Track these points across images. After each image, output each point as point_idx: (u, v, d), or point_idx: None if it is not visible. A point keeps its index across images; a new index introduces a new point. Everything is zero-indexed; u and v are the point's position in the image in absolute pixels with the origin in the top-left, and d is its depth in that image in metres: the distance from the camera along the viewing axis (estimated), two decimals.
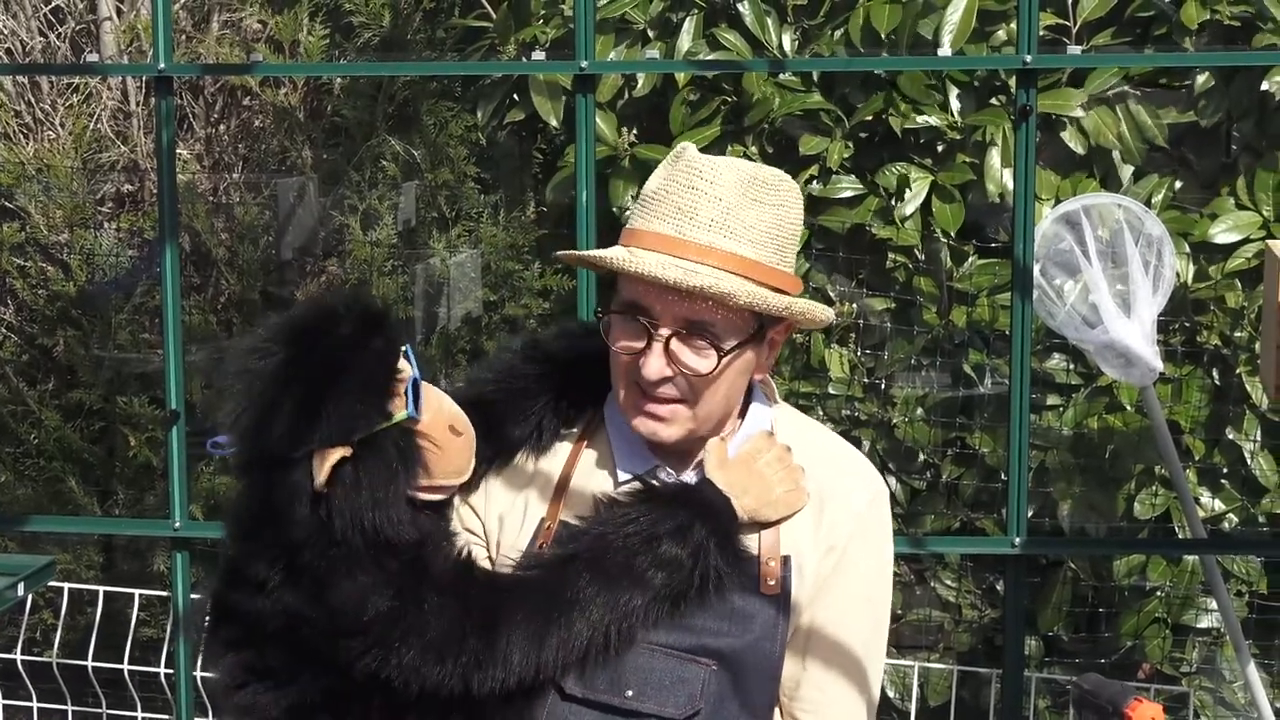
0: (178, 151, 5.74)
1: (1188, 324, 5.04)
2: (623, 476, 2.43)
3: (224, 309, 5.65)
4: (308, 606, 2.18)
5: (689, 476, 2.43)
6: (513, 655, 2.22)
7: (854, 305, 5.18)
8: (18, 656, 4.67)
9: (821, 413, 5.14)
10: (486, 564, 2.41)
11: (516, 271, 5.49)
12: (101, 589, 4.84)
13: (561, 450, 2.49)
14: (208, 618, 2.35)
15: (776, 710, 2.45)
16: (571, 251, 2.49)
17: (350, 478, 2.16)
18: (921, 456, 5.18)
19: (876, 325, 5.17)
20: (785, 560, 2.39)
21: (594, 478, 2.45)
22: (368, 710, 2.25)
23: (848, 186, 5.13)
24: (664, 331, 2.31)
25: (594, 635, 2.26)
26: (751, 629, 2.36)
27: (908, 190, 5.07)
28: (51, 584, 4.99)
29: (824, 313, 2.40)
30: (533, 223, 5.50)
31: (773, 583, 2.37)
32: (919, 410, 5.14)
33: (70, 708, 4.78)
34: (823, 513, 2.42)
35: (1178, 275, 4.90)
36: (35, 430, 5.64)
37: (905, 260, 5.13)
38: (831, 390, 5.16)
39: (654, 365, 2.32)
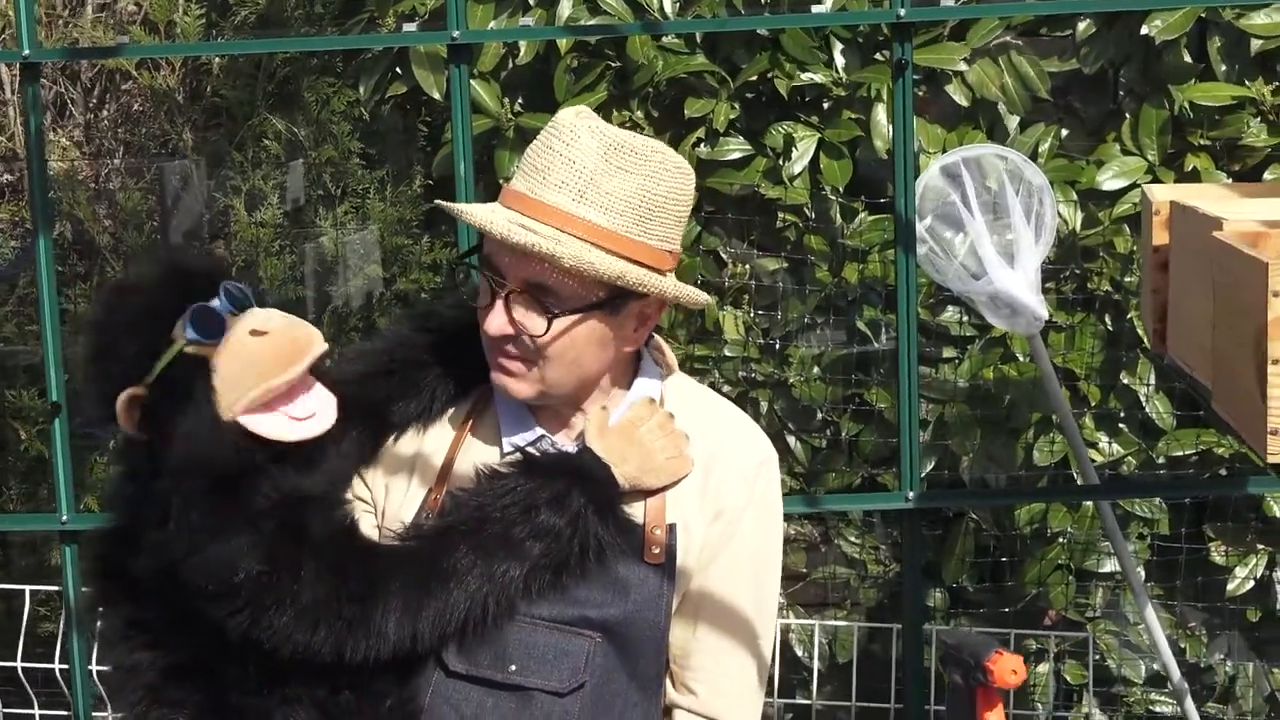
0: (58, 139, 5.66)
1: (1078, 271, 5.06)
2: (507, 447, 2.42)
3: None
4: (178, 566, 2.14)
5: (571, 446, 2.41)
6: (388, 624, 2.20)
7: (746, 266, 5.17)
8: None
9: (718, 375, 5.13)
10: (372, 531, 2.39)
11: (406, 246, 5.43)
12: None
13: (451, 423, 2.47)
14: (91, 575, 2.33)
15: (668, 679, 2.44)
16: (444, 201, 2.46)
17: (153, 417, 2.13)
18: (820, 415, 5.18)
19: (769, 285, 5.16)
20: (671, 528, 2.38)
21: (480, 450, 2.43)
22: (245, 674, 2.22)
23: (735, 148, 5.11)
24: (506, 289, 2.30)
25: (471, 606, 2.24)
26: (634, 599, 2.35)
27: (794, 149, 5.06)
28: None
29: (676, 290, 2.36)
30: (420, 196, 5.44)
31: (657, 550, 2.36)
32: (815, 369, 5.14)
33: None
34: (709, 479, 2.42)
35: (1066, 222, 4.93)
36: None
37: (796, 219, 5.12)
38: (727, 352, 5.15)
39: (494, 322, 2.31)
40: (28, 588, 4.71)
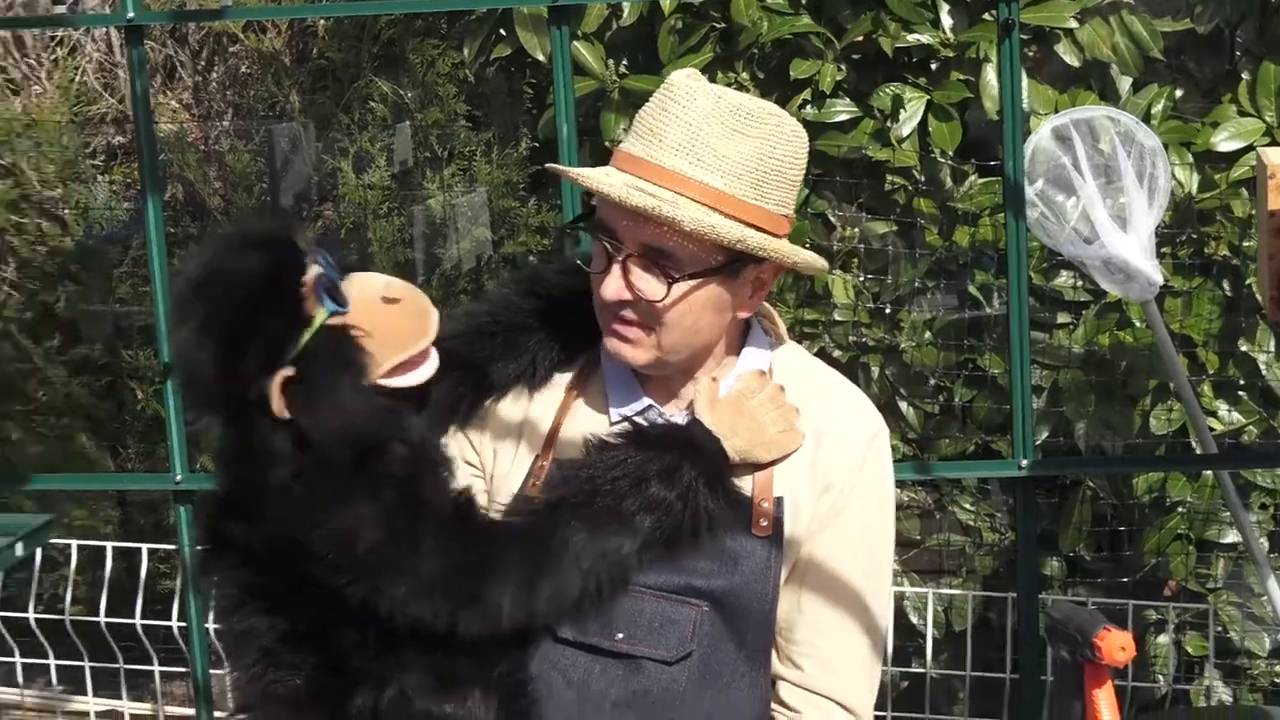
0: (167, 101, 5.69)
1: (1194, 235, 4.95)
2: (614, 416, 2.39)
3: None
4: (300, 538, 2.14)
5: (680, 417, 2.38)
6: (503, 602, 2.19)
7: (855, 230, 5.11)
8: (30, 615, 4.65)
9: (828, 340, 5.07)
10: (481, 497, 2.38)
11: (513, 209, 5.42)
12: (110, 545, 4.82)
13: (556, 388, 2.45)
14: (204, 539, 2.33)
15: (774, 653, 2.41)
16: (556, 165, 2.44)
17: (304, 395, 2.11)
18: (932, 381, 5.11)
19: (879, 249, 5.09)
20: (779, 501, 2.34)
21: (586, 418, 2.41)
22: (360, 640, 2.22)
23: (843, 110, 5.04)
24: (623, 253, 2.27)
25: (585, 583, 2.22)
26: (742, 570, 2.32)
27: (903, 111, 4.98)
28: (60, 540, 4.97)
29: (795, 254, 2.32)
30: (526, 159, 5.42)
31: (765, 523, 2.33)
32: (927, 334, 5.07)
33: (87, 664, 4.76)
34: (819, 452, 2.37)
35: (1181, 185, 4.82)
36: (43, 387, 5.62)
37: (904, 182, 5.04)
38: (837, 317, 5.09)
39: (611, 286, 2.28)
40: (145, 546, 4.75)
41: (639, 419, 2.37)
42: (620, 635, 2.30)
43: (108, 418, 5.64)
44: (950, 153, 5.00)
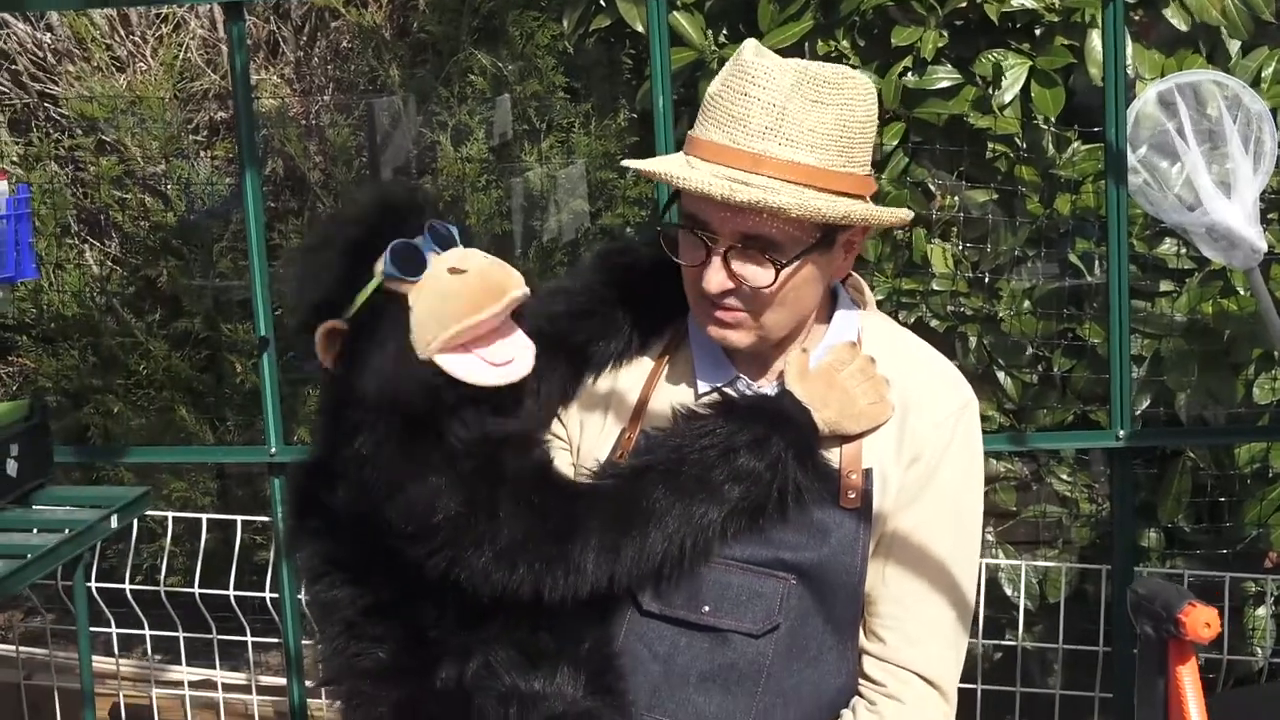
0: (269, 76, 5.74)
1: None
2: (702, 388, 2.39)
3: None
4: (377, 506, 2.15)
5: (769, 388, 2.37)
6: (585, 563, 2.18)
7: (955, 198, 5.06)
8: (126, 586, 4.73)
9: (926, 309, 5.03)
10: (568, 469, 2.38)
11: (611, 180, 5.42)
12: (205, 516, 4.88)
13: (645, 362, 2.45)
14: (290, 508, 2.34)
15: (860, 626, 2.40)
16: (631, 160, 2.41)
17: (350, 349, 2.13)
18: (1030, 350, 5.05)
19: (979, 217, 5.04)
20: (867, 473, 2.33)
21: (675, 390, 2.41)
22: (444, 613, 2.23)
23: (944, 77, 4.99)
24: (722, 245, 2.25)
25: (669, 548, 2.22)
26: (829, 542, 2.31)
27: (1005, 77, 4.91)
28: (157, 513, 5.04)
29: (891, 216, 2.31)
30: (625, 130, 5.41)
31: (853, 495, 2.32)
32: (1026, 303, 5.01)
33: (181, 634, 4.84)
34: (907, 424, 2.36)
35: None
36: (144, 361, 5.69)
37: (1006, 150, 4.98)
38: (935, 286, 5.04)
39: (714, 279, 2.26)
40: (240, 518, 4.81)
41: (728, 390, 2.36)
42: (707, 608, 2.30)
43: (207, 391, 5.70)
44: (1053, 119, 4.93)
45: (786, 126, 2.22)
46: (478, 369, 2.12)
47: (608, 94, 5.50)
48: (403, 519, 2.14)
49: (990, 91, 4.95)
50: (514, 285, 2.13)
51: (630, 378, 2.45)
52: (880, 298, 4.99)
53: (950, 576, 2.39)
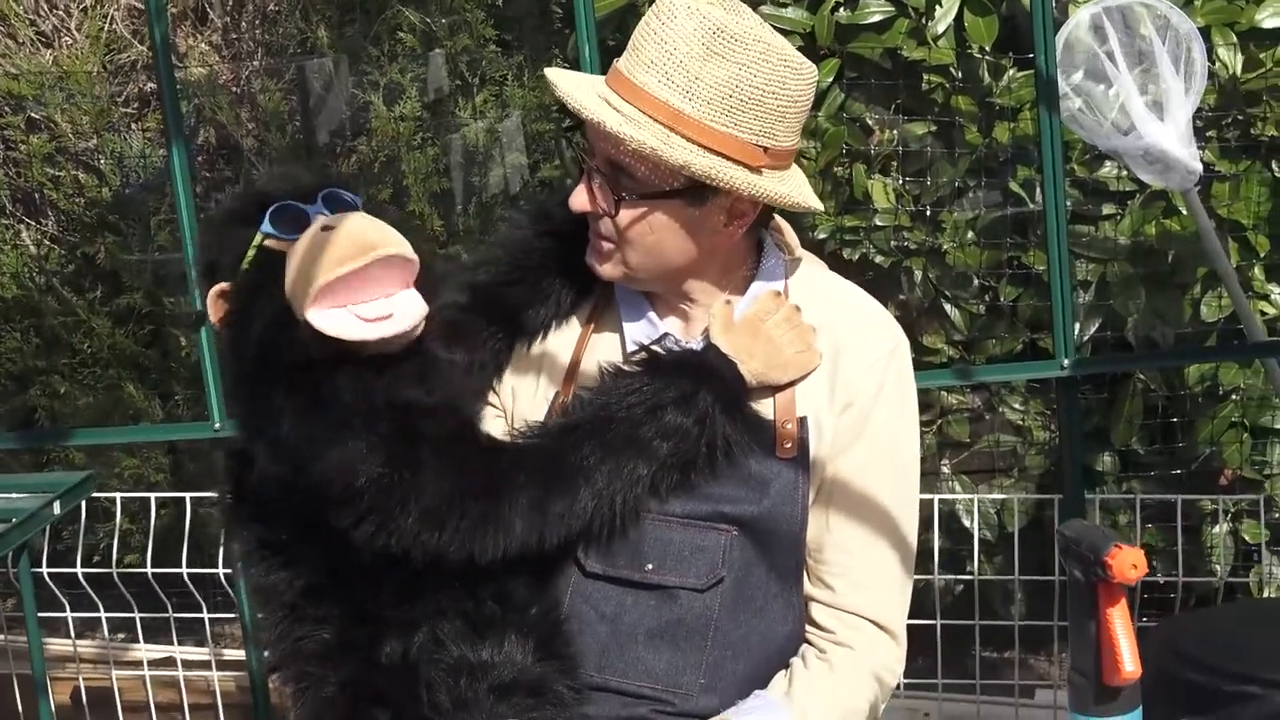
0: (198, 44, 5.67)
1: (1240, 117, 4.84)
2: (631, 346, 2.38)
3: None
4: (298, 476, 2.14)
5: (696, 343, 2.36)
6: (514, 520, 2.17)
7: (893, 132, 5.03)
8: (78, 570, 4.70)
9: (869, 245, 5.01)
10: (501, 435, 2.36)
11: (548, 132, 5.38)
12: (153, 495, 4.85)
13: (575, 323, 2.45)
14: (225, 498, 2.34)
15: (805, 574, 2.39)
16: (550, 70, 2.38)
17: (234, 308, 2.16)
18: (976, 281, 5.04)
19: (918, 150, 5.02)
20: (802, 421, 2.33)
21: (604, 348, 2.41)
22: (380, 589, 2.22)
23: (876, 10, 4.94)
24: (590, 164, 2.27)
25: (599, 504, 2.22)
26: (769, 493, 2.31)
27: (938, 7, 4.88)
28: (104, 495, 5.00)
29: (753, 187, 2.25)
30: None
31: (789, 445, 2.32)
32: (969, 234, 5.00)
33: (138, 615, 4.81)
34: (839, 370, 2.35)
35: (1226, 67, 4.72)
36: (88, 339, 5.64)
37: (942, 81, 4.95)
38: (878, 221, 5.02)
39: (576, 196, 2.30)
40: (189, 495, 4.78)
41: (656, 347, 2.35)
42: (650, 566, 2.30)
43: (154, 366, 5.65)
44: (988, 48, 4.90)
45: (671, 67, 2.20)
46: (348, 324, 2.11)
47: (540, 44, 5.45)
48: (325, 485, 2.12)
49: (924, 22, 4.92)
50: (382, 244, 2.11)
51: (561, 341, 2.44)
52: (823, 236, 4.99)
53: (892, 520, 2.40)
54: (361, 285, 2.10)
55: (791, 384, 2.33)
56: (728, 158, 2.23)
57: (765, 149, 2.26)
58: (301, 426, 2.12)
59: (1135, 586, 2.52)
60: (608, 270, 2.33)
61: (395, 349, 2.16)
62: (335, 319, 2.10)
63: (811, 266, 2.49)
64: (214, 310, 2.18)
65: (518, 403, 2.43)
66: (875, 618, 2.38)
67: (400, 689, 2.22)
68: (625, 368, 2.31)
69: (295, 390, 2.12)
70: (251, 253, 2.15)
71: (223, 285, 2.17)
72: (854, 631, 2.38)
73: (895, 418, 2.39)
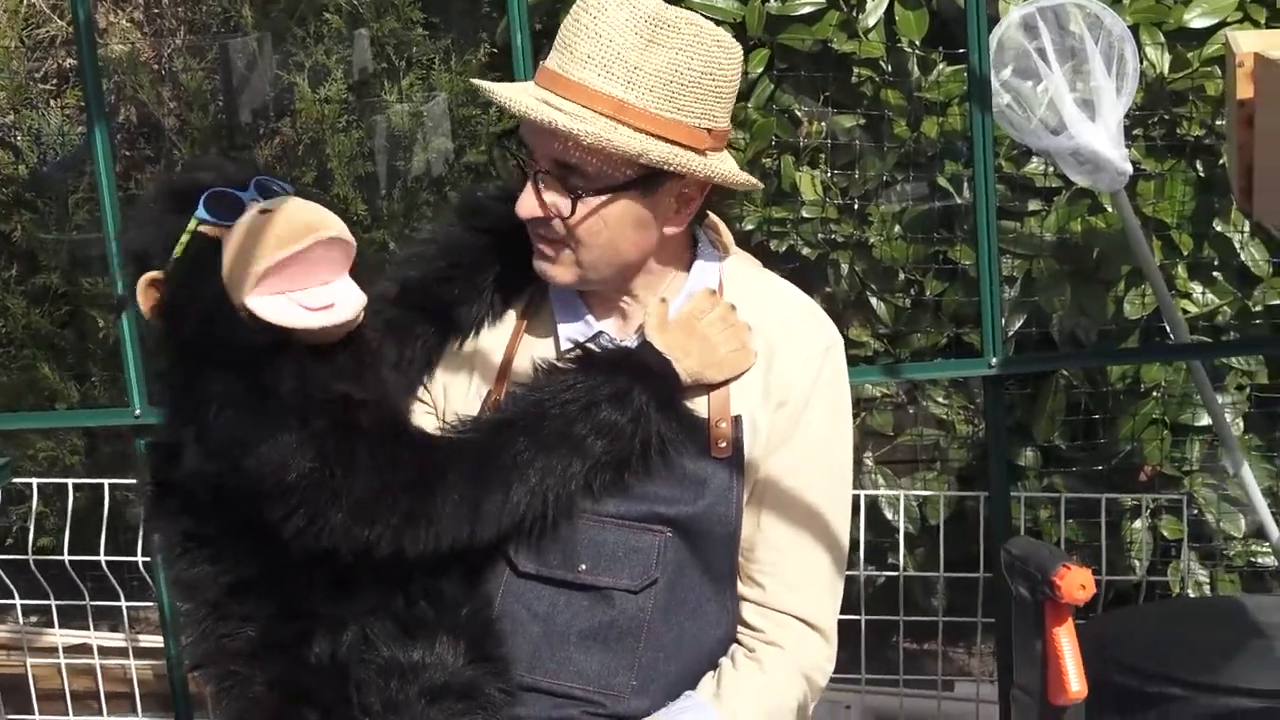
0: (119, 20, 5.58)
1: (1166, 116, 4.87)
2: (565, 343, 2.36)
3: None
4: (228, 469, 2.11)
5: (630, 341, 2.34)
6: (444, 516, 2.16)
7: (822, 124, 5.03)
8: None
9: (796, 237, 5.00)
10: (429, 429, 2.33)
11: (474, 117, 5.33)
12: (70, 481, 4.78)
13: (508, 321, 2.42)
14: (147, 489, 2.29)
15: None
16: (479, 81, 2.37)
17: (167, 297, 2.11)
18: (902, 274, 5.05)
19: (846, 143, 5.02)
20: (736, 420, 2.32)
21: (538, 346, 2.38)
22: (309, 586, 2.19)
23: (807, 2, 4.94)
24: (535, 169, 2.24)
25: (531, 500, 2.20)
26: (705, 493, 2.30)
27: (869, 0, 4.88)
28: (20, 480, 4.93)
29: (708, 169, 2.26)
30: (486, 65, 5.32)
31: (724, 444, 2.31)
32: (896, 227, 5.00)
33: (54, 603, 4.75)
34: (773, 368, 2.35)
35: (1154, 66, 4.74)
36: (2, 318, 5.54)
37: (871, 74, 4.95)
38: (805, 214, 5.01)
39: (525, 203, 2.26)
40: (108, 481, 4.71)
41: (590, 345, 2.33)
42: (583, 566, 2.29)
43: (69, 348, 5.56)
44: (917, 42, 4.91)
45: (609, 59, 2.19)
46: (290, 312, 2.08)
47: (468, 28, 5.40)
48: (255, 479, 2.09)
49: (854, 15, 4.92)
50: (323, 226, 2.08)
51: (494, 338, 2.42)
52: (750, 227, 4.98)
53: (824, 519, 2.40)
54: (302, 270, 2.07)
55: (726, 382, 2.33)
56: (675, 143, 2.22)
57: (709, 130, 2.26)
58: (234, 418, 2.09)
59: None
60: (559, 274, 2.30)
61: (332, 339, 2.13)
62: (277, 306, 2.07)
63: (745, 265, 2.49)
64: (144, 300, 2.13)
65: (449, 400, 2.40)
66: (805, 616, 2.38)
67: (329, 689, 2.20)
68: (559, 364, 2.29)
69: (229, 380, 2.09)
70: (185, 239, 2.10)
71: (153, 274, 2.12)
72: (783, 630, 2.37)
73: (829, 416, 2.39)
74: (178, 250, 2.10)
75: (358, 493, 2.11)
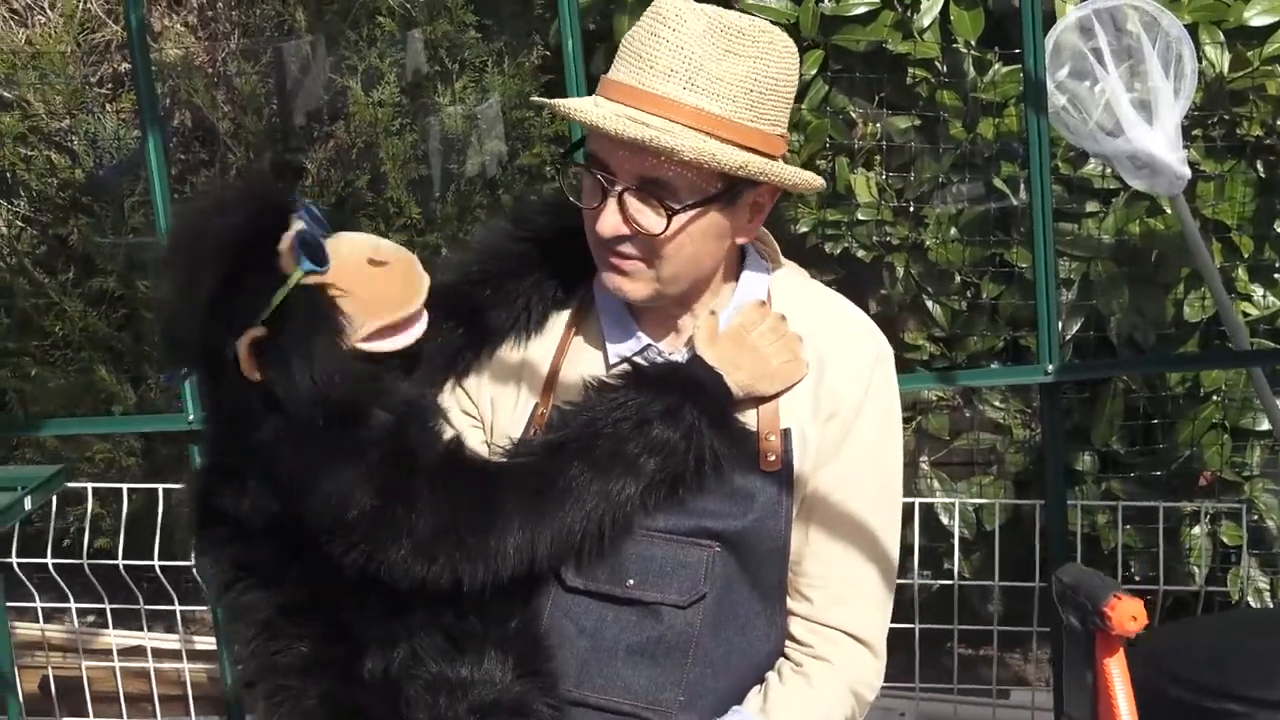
0: (173, 25, 5.60)
1: (1226, 116, 4.81)
2: (613, 358, 2.34)
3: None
4: (289, 507, 2.10)
5: (680, 355, 2.32)
6: (506, 549, 2.15)
7: (876, 126, 4.99)
8: (49, 560, 4.65)
9: (852, 240, 4.97)
10: (481, 449, 2.33)
11: (528, 119, 5.32)
12: (125, 486, 4.80)
13: (553, 331, 2.40)
14: (193, 517, 2.28)
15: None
16: (541, 99, 2.36)
17: (275, 355, 2.06)
18: (958, 277, 5.00)
19: (901, 145, 4.98)
20: (785, 434, 2.29)
21: (585, 360, 2.36)
22: (363, 608, 2.18)
23: (861, 2, 4.90)
24: (618, 187, 2.20)
25: (589, 525, 2.18)
26: (753, 508, 2.28)
27: (924, 0, 4.84)
28: (76, 485, 4.95)
29: (795, 176, 2.25)
30: (539, 68, 5.31)
31: (773, 458, 2.28)
32: (952, 230, 4.96)
33: (108, 606, 4.77)
34: (822, 380, 2.32)
35: (1213, 65, 4.69)
36: (60, 321, 5.57)
37: (926, 75, 4.91)
38: (860, 216, 4.98)
39: (608, 222, 2.21)
40: (161, 486, 4.73)
41: (639, 359, 2.31)
42: (631, 581, 2.27)
43: (126, 350, 5.59)
44: (973, 42, 4.86)
45: (692, 71, 2.17)
46: (397, 337, 2.14)
47: (520, 30, 5.39)
48: (318, 516, 2.09)
49: (909, 15, 4.88)
50: (425, 280, 2.15)
51: (540, 349, 2.39)
52: (805, 229, 4.94)
53: (873, 532, 2.37)
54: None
55: (777, 396, 2.30)
56: (760, 152, 2.21)
57: (781, 136, 2.25)
58: (295, 455, 2.08)
59: None
60: (636, 289, 2.27)
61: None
62: (387, 343, 2.15)
63: (794, 275, 2.46)
64: (249, 361, 2.06)
65: (498, 414, 2.38)
66: (854, 631, 2.35)
67: (382, 705, 2.19)
68: (609, 380, 2.27)
69: (292, 418, 2.08)
70: (285, 291, 2.06)
71: (256, 333, 2.05)
72: (831, 646, 2.35)
73: (879, 428, 2.36)
74: (279, 300, 2.06)
75: (420, 531, 2.11)
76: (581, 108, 2.20)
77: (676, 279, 2.27)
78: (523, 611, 2.27)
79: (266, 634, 2.23)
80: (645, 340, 2.35)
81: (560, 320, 2.40)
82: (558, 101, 2.27)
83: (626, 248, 2.24)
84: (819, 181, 2.32)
